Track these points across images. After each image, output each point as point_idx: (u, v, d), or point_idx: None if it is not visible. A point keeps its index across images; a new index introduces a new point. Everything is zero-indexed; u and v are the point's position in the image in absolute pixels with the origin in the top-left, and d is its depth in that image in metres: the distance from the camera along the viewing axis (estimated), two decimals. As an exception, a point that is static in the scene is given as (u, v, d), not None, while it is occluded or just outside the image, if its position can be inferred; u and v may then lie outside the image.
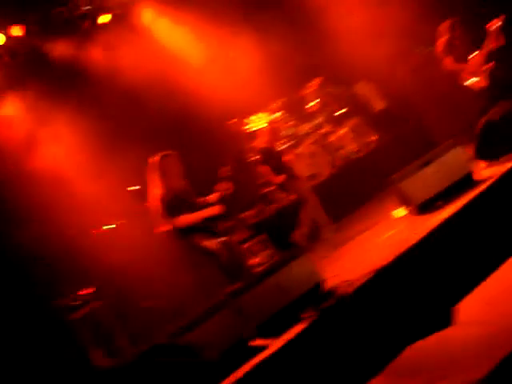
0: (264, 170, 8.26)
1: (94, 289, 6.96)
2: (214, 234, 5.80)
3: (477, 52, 7.99)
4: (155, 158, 5.89)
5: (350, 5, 9.65)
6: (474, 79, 8.05)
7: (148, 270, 7.24)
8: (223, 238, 5.80)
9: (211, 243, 5.73)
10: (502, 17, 7.80)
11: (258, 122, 9.45)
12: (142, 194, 5.68)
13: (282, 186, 8.31)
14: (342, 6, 9.63)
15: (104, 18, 8.59)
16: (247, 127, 9.61)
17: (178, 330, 4.59)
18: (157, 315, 7.04)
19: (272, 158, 8.28)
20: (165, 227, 5.73)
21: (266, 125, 8.57)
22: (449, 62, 8.22)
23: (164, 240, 6.10)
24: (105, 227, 7.62)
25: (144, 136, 8.43)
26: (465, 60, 8.11)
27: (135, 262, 7.33)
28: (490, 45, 7.90)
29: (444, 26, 8.25)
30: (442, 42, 8.29)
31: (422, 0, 9.09)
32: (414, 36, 9.38)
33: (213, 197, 5.95)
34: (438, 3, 8.93)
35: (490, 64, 7.96)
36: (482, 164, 6.49)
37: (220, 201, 5.86)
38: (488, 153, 6.55)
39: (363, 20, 9.47)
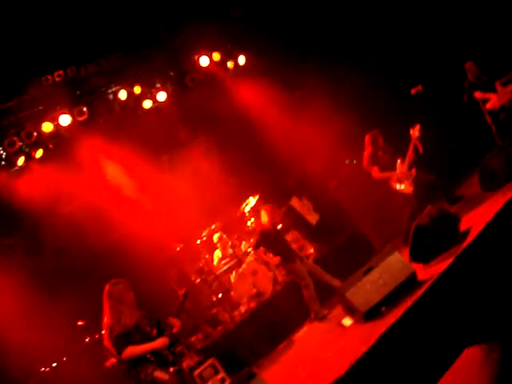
0: (261, 251, 8.25)
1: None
2: (165, 364, 5.66)
3: (400, 160, 8.52)
4: (105, 287, 5.81)
5: (276, 129, 10.19)
6: (401, 186, 8.50)
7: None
8: (174, 368, 5.67)
9: (163, 374, 5.57)
10: (418, 126, 8.40)
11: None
12: (89, 328, 5.52)
13: (278, 267, 8.26)
14: (270, 130, 10.14)
15: (39, 153, 8.73)
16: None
17: None
18: None
19: (271, 239, 8.29)
20: (114, 359, 5.55)
21: (265, 207, 8.57)
22: (375, 172, 8.69)
23: (115, 373, 5.92)
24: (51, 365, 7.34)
25: (87, 268, 8.35)
26: (390, 167, 8.60)
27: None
28: (411, 154, 8.46)
29: (366, 139, 8.79)
30: (366, 154, 8.79)
31: (345, 117, 9.69)
32: (341, 150, 9.90)
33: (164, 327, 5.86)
34: (360, 119, 9.51)
35: (413, 171, 8.47)
36: (419, 266, 6.70)
37: (169, 334, 5.77)
38: (422, 255, 6.78)
39: (292, 138, 9.97)
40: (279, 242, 8.41)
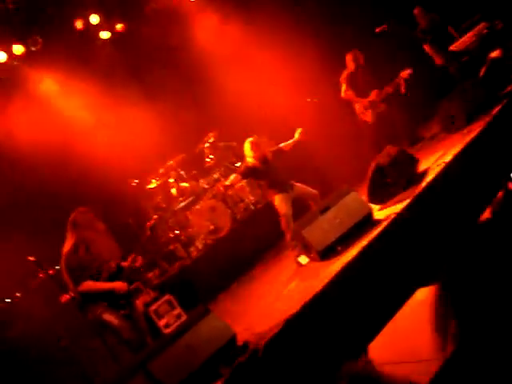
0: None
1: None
2: (116, 306, 5.56)
3: (376, 90, 8.46)
4: (72, 215, 5.62)
5: (239, 62, 9.98)
6: (365, 112, 8.51)
7: (53, 339, 6.87)
8: (125, 312, 5.58)
9: (112, 318, 5.47)
10: (410, 70, 8.31)
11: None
12: (41, 263, 5.39)
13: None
14: (233, 64, 9.94)
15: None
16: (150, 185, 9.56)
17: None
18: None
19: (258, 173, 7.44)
20: (68, 295, 5.44)
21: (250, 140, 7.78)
22: (346, 91, 8.63)
23: (68, 308, 5.85)
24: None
25: (42, 204, 8.17)
26: (364, 92, 8.56)
27: (37, 333, 6.96)
28: (391, 88, 8.39)
29: (347, 58, 8.67)
30: (346, 72, 8.70)
31: (311, 54, 9.56)
32: (304, 88, 9.75)
33: (125, 264, 5.74)
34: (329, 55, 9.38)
35: (383, 105, 8.44)
36: (376, 206, 6.74)
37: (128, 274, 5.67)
38: (380, 196, 6.81)
39: (254, 75, 9.80)
40: (267, 175, 7.37)
